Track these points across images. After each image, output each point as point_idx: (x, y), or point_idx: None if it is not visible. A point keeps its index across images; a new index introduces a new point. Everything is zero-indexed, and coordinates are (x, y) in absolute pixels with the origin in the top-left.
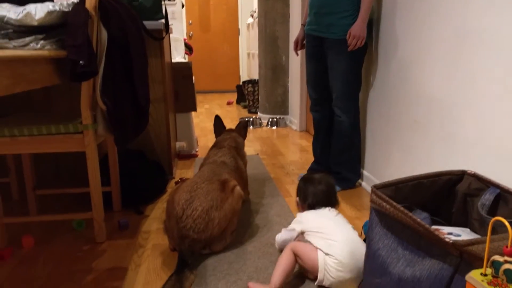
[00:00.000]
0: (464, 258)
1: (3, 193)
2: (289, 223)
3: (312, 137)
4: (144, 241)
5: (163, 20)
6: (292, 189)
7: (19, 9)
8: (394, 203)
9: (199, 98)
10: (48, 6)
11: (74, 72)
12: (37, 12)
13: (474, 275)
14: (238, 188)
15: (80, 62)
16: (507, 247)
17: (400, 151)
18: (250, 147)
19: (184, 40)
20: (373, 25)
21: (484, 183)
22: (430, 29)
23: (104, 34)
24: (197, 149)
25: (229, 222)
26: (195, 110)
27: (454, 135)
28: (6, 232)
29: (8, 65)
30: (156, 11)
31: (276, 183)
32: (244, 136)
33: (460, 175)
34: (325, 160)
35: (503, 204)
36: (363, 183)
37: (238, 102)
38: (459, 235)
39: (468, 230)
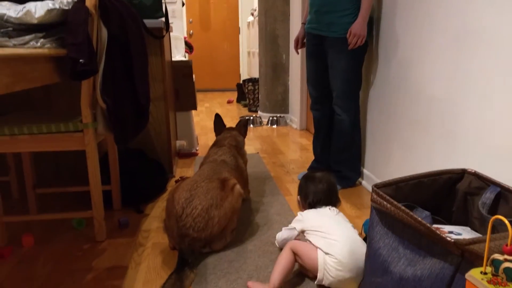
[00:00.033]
0: (465, 257)
1: (3, 192)
2: (289, 222)
3: (313, 136)
4: (144, 239)
5: (163, 19)
6: (292, 187)
7: (19, 7)
8: (395, 202)
9: (199, 96)
10: (48, 4)
11: (74, 71)
12: (37, 10)
13: (474, 274)
14: (238, 186)
15: (80, 60)
16: (506, 245)
17: (400, 149)
18: (251, 145)
19: (185, 38)
20: (373, 24)
21: (485, 182)
22: (430, 28)
23: (104, 33)
24: (197, 148)
25: (229, 221)
26: (195, 108)
27: (455, 133)
28: (6, 231)
29: (8, 64)
30: (157, 9)
31: (276, 182)
32: (244, 134)
33: (461, 174)
34: (325, 158)
35: (504, 203)
36: (363, 182)
37: (238, 100)
38: (459, 234)
39: (468, 229)
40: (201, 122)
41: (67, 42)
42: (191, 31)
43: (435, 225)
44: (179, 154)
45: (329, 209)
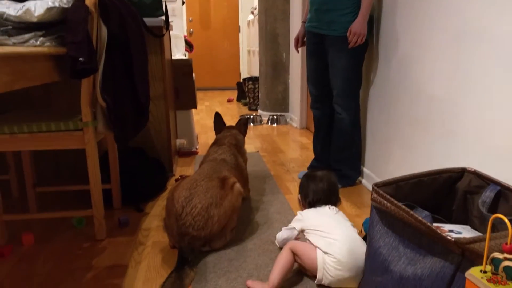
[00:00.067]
0: (466, 256)
1: (3, 191)
2: (289, 221)
3: (313, 135)
4: (144, 238)
5: (163, 17)
6: (293, 186)
7: (19, 5)
8: (396, 201)
9: (199, 95)
10: (48, 2)
11: (74, 69)
12: (37, 9)
13: (473, 272)
14: (237, 185)
15: (80, 59)
16: (506, 244)
17: (400, 148)
18: (251, 144)
19: (185, 37)
20: (373, 23)
21: (485, 181)
22: (430, 27)
23: (104, 31)
24: (197, 147)
25: (229, 219)
26: (195, 107)
27: (454, 132)
28: (6, 229)
29: (8, 62)
30: (156, 7)
31: (276, 181)
32: (244, 133)
33: (461, 173)
34: (326, 157)
35: (504, 201)
36: (363, 181)
37: (238, 99)
38: (460, 233)
39: (468, 227)
40: (201, 120)
41: (67, 40)
42: (191, 30)
43: (435, 224)
44: (179, 152)
45: (329, 208)
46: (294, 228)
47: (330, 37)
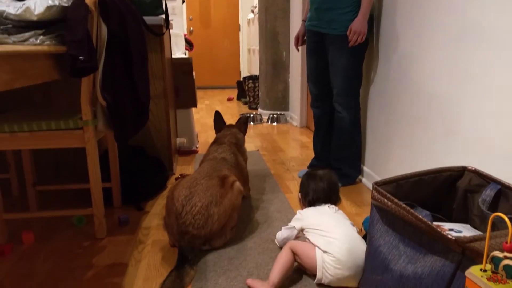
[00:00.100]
0: (466, 255)
1: (3, 189)
2: (289, 220)
3: (313, 133)
4: (144, 237)
5: (163, 16)
6: (293, 185)
7: (19, 4)
8: (396, 200)
9: (199, 94)
10: (48, 1)
11: (74, 68)
12: (37, 7)
13: (473, 271)
14: (237, 183)
15: (80, 57)
16: (506, 243)
17: (400, 147)
18: (251, 143)
19: (185, 35)
20: (374, 21)
21: (485, 179)
22: (430, 26)
23: (104, 30)
24: (197, 145)
25: (229, 218)
26: (195, 106)
27: (455, 131)
28: (6, 228)
29: (8, 61)
30: (156, 6)
31: (277, 179)
32: (244, 132)
33: (461, 171)
34: (326, 156)
35: (504, 200)
36: (364, 179)
37: (238, 98)
38: (460, 232)
39: (468, 226)
40: (201, 119)
41: (67, 39)
42: (191, 28)
43: (435, 223)
44: (179, 151)
45: (328, 207)
46: (294, 227)
47: (330, 35)
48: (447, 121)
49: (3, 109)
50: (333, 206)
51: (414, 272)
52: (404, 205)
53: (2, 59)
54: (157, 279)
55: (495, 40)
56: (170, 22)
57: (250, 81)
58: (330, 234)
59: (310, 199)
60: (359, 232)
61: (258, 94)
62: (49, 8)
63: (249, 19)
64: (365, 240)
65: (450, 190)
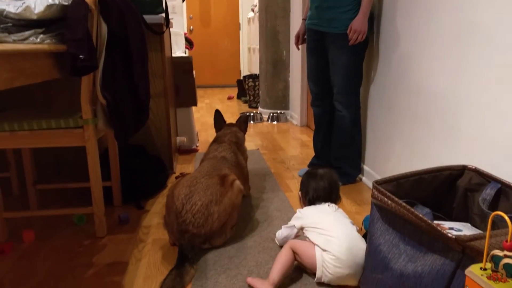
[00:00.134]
0: (466, 253)
1: (3, 188)
2: (289, 218)
3: (313, 132)
4: (144, 235)
5: (163, 14)
6: (293, 184)
7: (19, 2)
8: (396, 199)
9: (199, 92)
10: None
11: (74, 67)
12: (37, 6)
13: (473, 270)
14: (237, 182)
15: (80, 56)
16: (506, 241)
17: (400, 146)
18: (251, 142)
19: (185, 34)
20: (374, 20)
21: (485, 178)
22: (430, 24)
23: (104, 28)
24: (197, 144)
25: (229, 217)
26: (195, 104)
27: (455, 129)
28: (6, 226)
29: (8, 59)
30: (157, 5)
31: (277, 178)
32: (244, 131)
33: (461, 170)
34: (326, 155)
35: (504, 199)
36: (364, 178)
37: (238, 97)
38: (460, 230)
39: (469, 225)
40: (201, 118)
41: (67, 37)
42: (192, 27)
43: (435, 222)
44: (180, 150)
45: (328, 205)
46: (294, 226)
47: (331, 34)
48: (448, 119)
49: (3, 107)
50: (333, 204)
51: (414, 271)
52: (404, 204)
53: (2, 58)
54: (157, 277)
55: (496, 38)
56: (170, 20)
57: (250, 80)
58: (330, 233)
59: (310, 197)
60: (359, 230)
61: (258, 93)
62: (49, 6)
63: (249, 18)
64: (365, 239)
65: (450, 189)
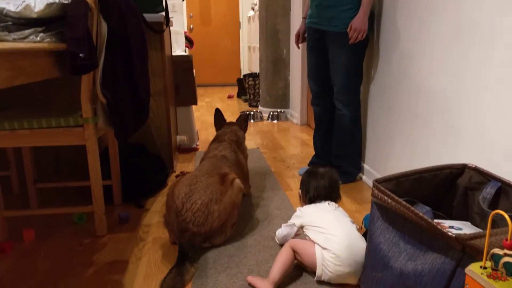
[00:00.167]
0: (466, 252)
1: (3, 187)
2: (290, 217)
3: (313, 131)
4: (144, 234)
5: (163, 13)
6: (293, 182)
7: (19, 1)
8: (396, 197)
9: (199, 91)
10: None
11: (74, 65)
12: (37, 5)
13: (473, 268)
14: (237, 181)
15: (80, 55)
16: (506, 240)
17: (400, 144)
18: (251, 140)
19: (185, 33)
20: (374, 19)
21: (485, 177)
22: (431, 23)
23: (104, 27)
24: (197, 143)
25: (229, 215)
26: (195, 103)
27: (455, 128)
28: (6, 225)
29: (8, 58)
30: (157, 3)
31: (277, 177)
32: (244, 129)
33: (461, 169)
34: (326, 153)
35: (504, 198)
36: (364, 177)
37: (238, 95)
38: (460, 229)
39: (469, 223)
40: (202, 117)
41: (67, 36)
42: (192, 26)
43: (436, 220)
44: (180, 149)
45: (328, 204)
46: (294, 224)
47: (331, 33)
48: (448, 118)
49: (3, 106)
50: (333, 203)
51: (414, 269)
52: (404, 203)
53: (2, 57)
54: (158, 276)
55: (496, 37)
56: (170, 19)
57: (251, 78)
58: (330, 231)
59: (310, 196)
60: (359, 229)
61: (259, 91)
62: (49, 5)
63: (250, 17)
64: (365, 238)
65: (450, 187)
